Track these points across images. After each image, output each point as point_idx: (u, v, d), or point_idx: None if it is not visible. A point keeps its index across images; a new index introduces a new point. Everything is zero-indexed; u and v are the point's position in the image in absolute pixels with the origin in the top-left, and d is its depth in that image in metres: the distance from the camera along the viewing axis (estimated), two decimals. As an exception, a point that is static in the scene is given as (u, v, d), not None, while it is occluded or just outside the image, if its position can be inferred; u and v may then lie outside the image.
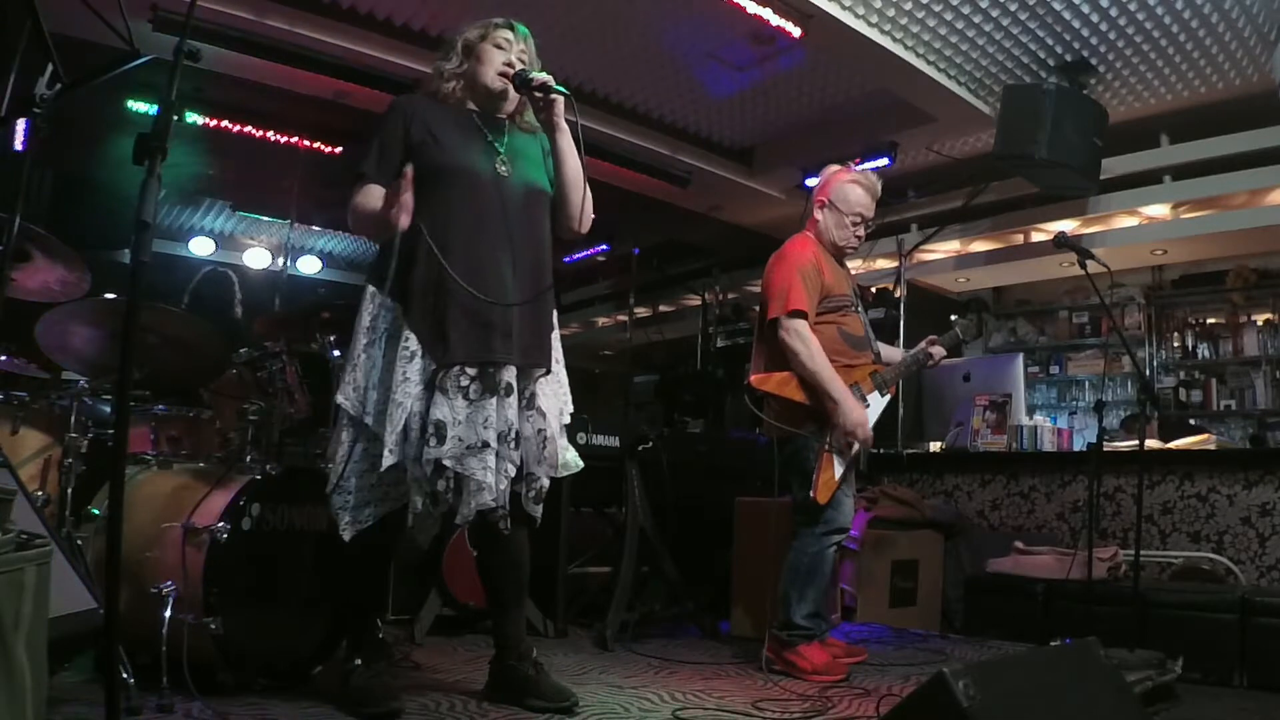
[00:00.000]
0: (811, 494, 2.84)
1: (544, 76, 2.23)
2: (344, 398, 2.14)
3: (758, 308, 3.09)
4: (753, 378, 2.95)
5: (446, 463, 2.06)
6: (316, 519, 2.49)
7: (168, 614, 2.11)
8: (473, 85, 2.31)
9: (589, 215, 2.33)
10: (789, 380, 2.90)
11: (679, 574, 3.66)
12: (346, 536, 2.13)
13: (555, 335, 2.34)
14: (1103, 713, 1.71)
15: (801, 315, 2.89)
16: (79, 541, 2.25)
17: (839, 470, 2.87)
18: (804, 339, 2.87)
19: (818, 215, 3.12)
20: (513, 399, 2.16)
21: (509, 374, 2.16)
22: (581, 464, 2.39)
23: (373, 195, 2.18)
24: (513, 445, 2.15)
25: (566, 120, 2.27)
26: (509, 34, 2.33)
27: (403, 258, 2.15)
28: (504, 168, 2.26)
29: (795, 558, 2.94)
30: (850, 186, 3.09)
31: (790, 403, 2.90)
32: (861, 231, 3.12)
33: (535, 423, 2.24)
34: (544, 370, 2.26)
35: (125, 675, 1.96)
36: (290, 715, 2.09)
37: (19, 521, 1.48)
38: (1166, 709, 2.53)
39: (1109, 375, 6.77)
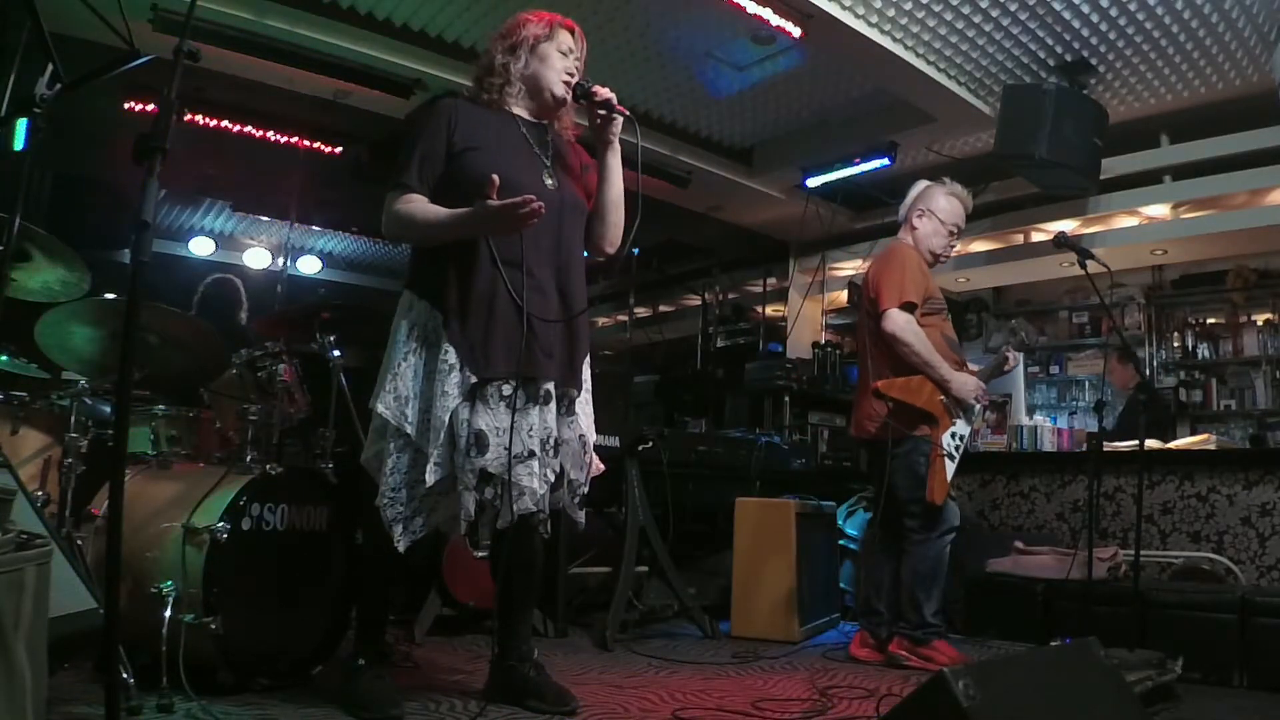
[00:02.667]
0: (928, 497, 3.04)
1: (608, 93, 2.21)
2: (384, 407, 2.10)
3: (865, 311, 3.27)
4: (879, 383, 3.14)
5: (493, 470, 2.06)
6: (316, 519, 2.49)
7: (168, 614, 2.11)
8: (534, 88, 2.27)
9: (619, 239, 2.33)
10: (909, 385, 3.11)
11: (679, 574, 3.66)
12: (402, 548, 2.09)
13: (587, 363, 2.32)
14: (1103, 713, 1.71)
15: (911, 308, 3.12)
16: (79, 541, 2.25)
17: (950, 472, 3.09)
18: (915, 332, 3.10)
19: (916, 224, 3.31)
20: (552, 406, 2.17)
21: (547, 384, 2.16)
22: (603, 467, 2.39)
23: (417, 205, 2.13)
24: (552, 453, 2.16)
25: (624, 141, 2.24)
26: (571, 38, 2.30)
27: (446, 266, 2.14)
28: (550, 180, 2.24)
29: (918, 563, 3.10)
30: (949, 198, 3.32)
31: (910, 407, 3.11)
32: (955, 242, 3.38)
33: (576, 429, 2.24)
34: (577, 392, 2.26)
35: (125, 675, 1.96)
36: (290, 715, 2.09)
37: (19, 521, 1.48)
38: (1166, 709, 2.53)
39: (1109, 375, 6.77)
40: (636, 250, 5.82)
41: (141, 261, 1.46)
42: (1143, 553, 3.21)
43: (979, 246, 6.42)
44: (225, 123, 5.27)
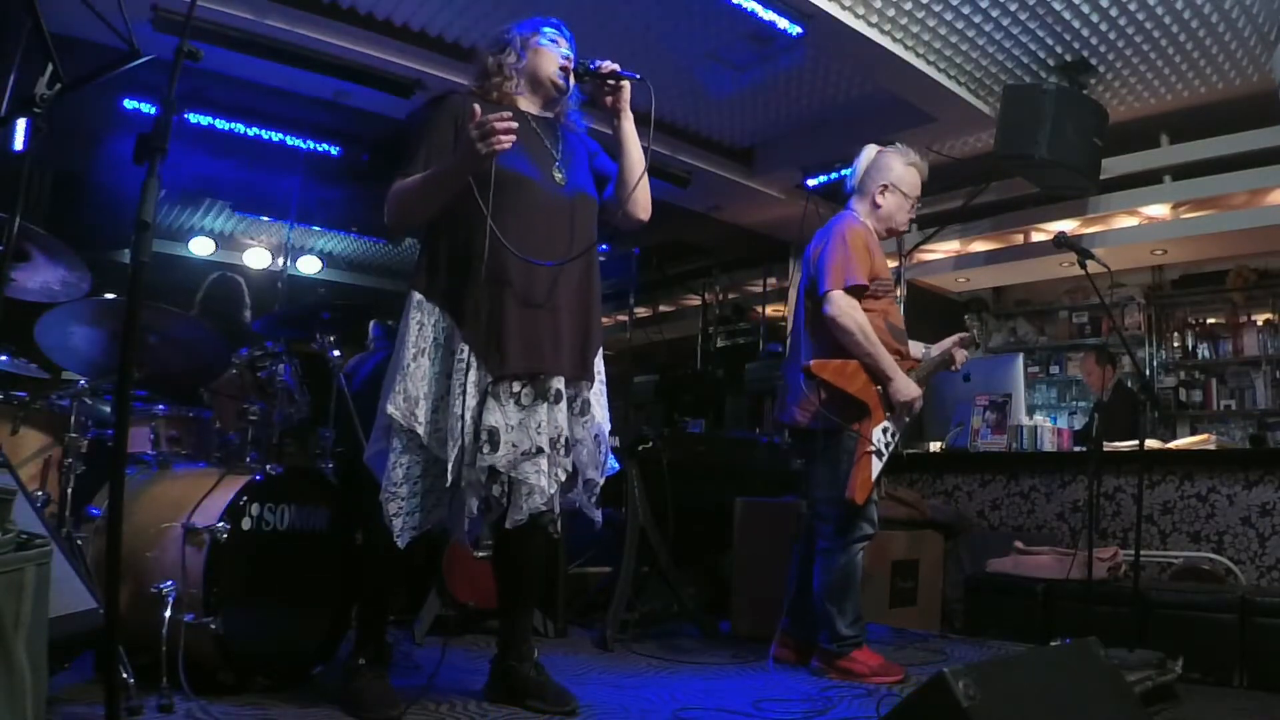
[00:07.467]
0: (848, 494, 2.76)
1: (613, 65, 2.22)
2: (394, 408, 2.07)
3: (803, 289, 3.03)
4: (812, 363, 2.85)
5: (500, 468, 2.06)
6: (316, 519, 2.49)
7: (168, 614, 2.11)
8: (534, 81, 2.29)
9: (648, 203, 2.33)
10: (844, 369, 2.84)
11: (679, 574, 3.66)
12: (402, 544, 2.09)
13: (600, 356, 2.31)
14: (1103, 713, 1.71)
15: (859, 292, 2.86)
16: (79, 541, 2.25)
17: (876, 472, 2.80)
18: (858, 320, 2.83)
19: (880, 200, 3.07)
20: (563, 405, 2.16)
21: (558, 381, 2.16)
22: (619, 465, 2.37)
23: (408, 179, 2.12)
24: (563, 451, 2.15)
25: (634, 109, 2.25)
26: (556, 32, 2.32)
27: (454, 264, 2.14)
28: (560, 174, 2.24)
29: (826, 575, 2.87)
30: (909, 169, 3.13)
31: (842, 394, 2.82)
32: (914, 214, 3.19)
33: (591, 428, 2.23)
34: (589, 386, 2.25)
35: (125, 675, 1.96)
36: (290, 715, 2.10)
37: (19, 521, 1.48)
38: (1166, 709, 2.53)
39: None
40: (637, 250, 5.83)
41: (141, 261, 1.46)
42: (1143, 553, 3.20)
43: (979, 246, 6.42)
44: (225, 123, 5.27)
